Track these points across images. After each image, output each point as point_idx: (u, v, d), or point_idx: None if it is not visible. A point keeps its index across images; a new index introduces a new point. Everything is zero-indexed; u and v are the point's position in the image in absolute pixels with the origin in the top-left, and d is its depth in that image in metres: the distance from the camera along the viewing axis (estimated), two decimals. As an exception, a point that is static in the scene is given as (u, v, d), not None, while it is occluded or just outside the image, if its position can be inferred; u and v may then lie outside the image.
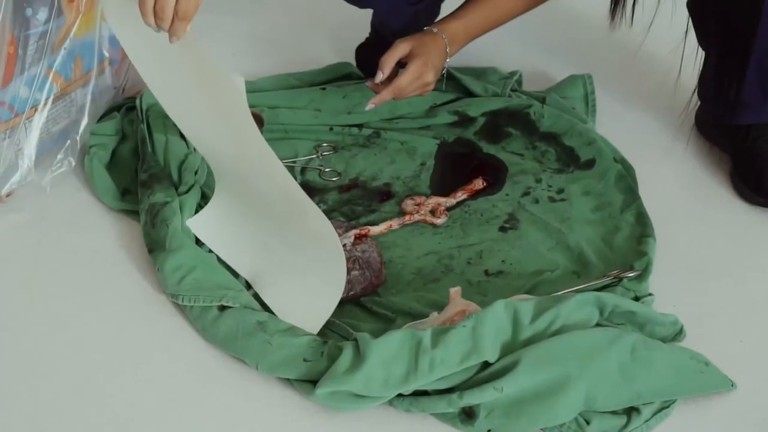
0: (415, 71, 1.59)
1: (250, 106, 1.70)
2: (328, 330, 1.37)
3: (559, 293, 1.41)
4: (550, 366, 1.28)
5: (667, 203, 1.63)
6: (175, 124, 1.64)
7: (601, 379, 1.28)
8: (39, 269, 1.49)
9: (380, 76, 1.59)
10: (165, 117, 1.66)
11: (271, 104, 1.73)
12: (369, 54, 1.85)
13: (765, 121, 1.65)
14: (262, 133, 1.66)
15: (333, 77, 1.83)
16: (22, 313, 1.42)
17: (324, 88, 1.78)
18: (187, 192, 1.54)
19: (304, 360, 1.30)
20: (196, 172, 1.57)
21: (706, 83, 1.70)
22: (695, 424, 1.31)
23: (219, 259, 1.46)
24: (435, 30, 1.63)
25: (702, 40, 1.69)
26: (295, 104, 1.75)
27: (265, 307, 1.40)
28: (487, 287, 1.48)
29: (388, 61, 1.59)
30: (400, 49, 1.59)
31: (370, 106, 1.61)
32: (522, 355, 1.28)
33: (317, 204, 1.59)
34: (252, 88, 1.78)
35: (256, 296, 1.42)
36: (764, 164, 1.63)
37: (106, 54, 1.64)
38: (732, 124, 1.67)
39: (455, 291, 1.38)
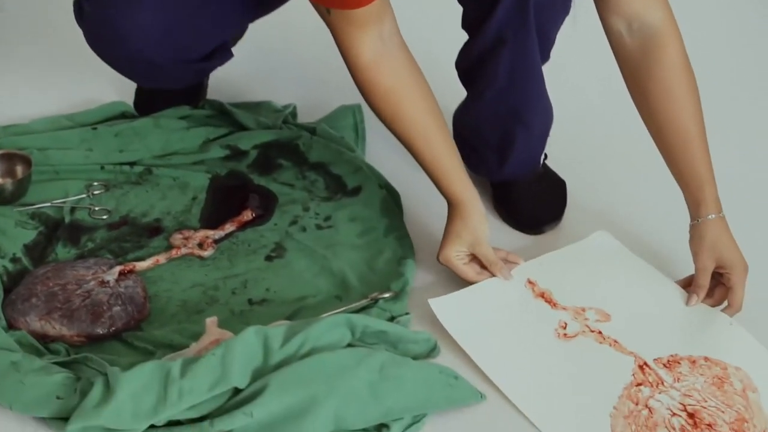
0: (744, 283, 1.53)
1: (20, 149, 1.72)
2: (84, 366, 1.38)
3: (318, 318, 1.45)
4: (297, 388, 1.31)
5: (431, 226, 1.69)
6: None
7: (350, 398, 1.32)
8: None
9: (695, 300, 1.54)
10: None
11: (41, 146, 1.74)
12: (149, 94, 1.87)
13: (501, 180, 1.73)
14: (30, 174, 1.68)
15: (106, 117, 1.83)
16: None
17: (95, 128, 1.79)
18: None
19: (57, 398, 1.31)
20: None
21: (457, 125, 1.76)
22: (446, 437, 1.36)
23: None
24: (711, 216, 1.53)
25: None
26: (66, 145, 1.75)
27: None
28: (250, 316, 1.51)
29: (705, 282, 1.54)
30: (709, 269, 1.53)
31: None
32: (270, 380, 1.31)
33: (86, 243, 1.61)
34: (23, 131, 1.78)
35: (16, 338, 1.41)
36: (519, 196, 1.72)
37: None
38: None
39: (211, 321, 1.41)
